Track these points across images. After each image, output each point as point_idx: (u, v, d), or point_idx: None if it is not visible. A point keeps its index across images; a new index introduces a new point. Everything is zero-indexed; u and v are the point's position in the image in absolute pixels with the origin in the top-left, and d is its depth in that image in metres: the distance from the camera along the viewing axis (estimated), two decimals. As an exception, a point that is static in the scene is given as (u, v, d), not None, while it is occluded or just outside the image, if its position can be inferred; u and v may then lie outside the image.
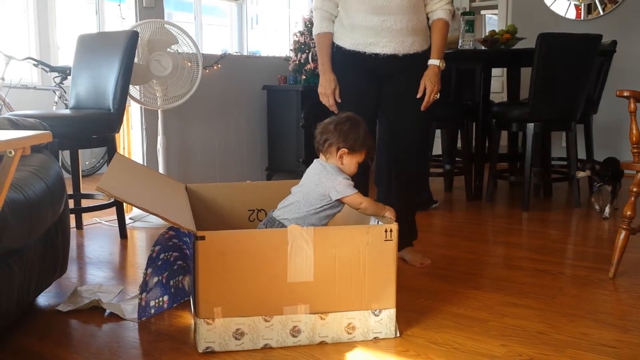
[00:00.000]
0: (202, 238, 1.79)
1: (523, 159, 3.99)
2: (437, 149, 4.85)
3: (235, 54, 4.57)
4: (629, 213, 2.51)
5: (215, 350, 1.82)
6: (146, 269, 2.06)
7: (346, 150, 2.05)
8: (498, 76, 5.43)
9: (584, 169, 3.66)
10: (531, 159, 3.85)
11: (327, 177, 2.04)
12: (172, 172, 3.78)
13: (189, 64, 3.54)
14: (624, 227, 2.53)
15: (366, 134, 2.09)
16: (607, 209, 3.61)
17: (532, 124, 3.82)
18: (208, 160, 4.24)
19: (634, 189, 2.50)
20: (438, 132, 4.50)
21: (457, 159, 4.59)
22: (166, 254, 2.10)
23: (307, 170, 2.13)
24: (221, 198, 2.44)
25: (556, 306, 2.23)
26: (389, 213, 2.04)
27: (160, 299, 2.14)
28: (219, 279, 1.81)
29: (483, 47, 4.36)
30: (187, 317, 2.10)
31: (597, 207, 3.73)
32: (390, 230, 1.91)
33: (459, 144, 4.51)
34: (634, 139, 2.57)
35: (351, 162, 2.08)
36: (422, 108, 2.52)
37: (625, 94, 2.58)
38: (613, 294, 2.41)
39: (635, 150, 2.58)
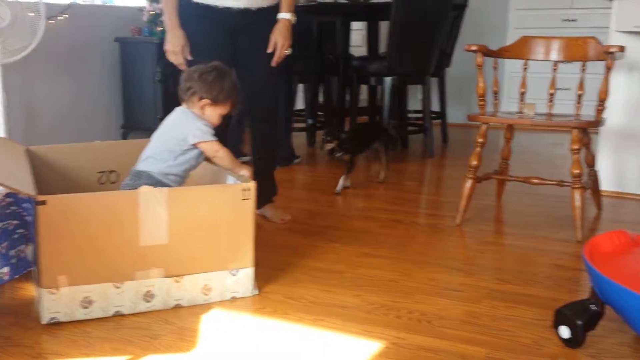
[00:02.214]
0: (43, 203, 1.67)
1: (382, 112, 4.09)
2: (299, 103, 4.87)
3: (83, 3, 4.25)
4: (474, 162, 2.65)
5: (61, 321, 1.73)
6: (-18, 240, 1.90)
7: (209, 100, 2.00)
8: (359, 30, 5.50)
9: (331, 140, 3.12)
10: (389, 112, 3.96)
11: (186, 122, 2.00)
12: (16, 134, 3.50)
13: (31, 14, 3.25)
14: (470, 176, 2.67)
15: (233, 86, 2.05)
16: (381, 174, 3.39)
17: (390, 77, 3.92)
18: (57, 120, 3.96)
19: (479, 140, 2.64)
20: (301, 87, 4.51)
21: (319, 113, 4.63)
22: (4, 222, 1.95)
23: (168, 117, 2.06)
24: (68, 160, 2.29)
25: (408, 254, 2.33)
26: (246, 171, 2.01)
27: (0, 270, 1.98)
28: (63, 246, 1.70)
29: (343, 0, 4.38)
30: (31, 289, 1.98)
31: (341, 183, 3.22)
32: (248, 189, 1.89)
33: (321, 98, 4.55)
34: (480, 92, 2.71)
35: (214, 114, 2.03)
36: (273, 63, 2.48)
37: (473, 48, 2.69)
38: (460, 240, 2.56)
39: (481, 103, 2.72)
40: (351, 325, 1.75)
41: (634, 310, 1.47)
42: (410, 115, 4.76)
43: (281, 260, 2.24)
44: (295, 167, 3.83)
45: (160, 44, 4.18)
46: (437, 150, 4.32)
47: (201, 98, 2.00)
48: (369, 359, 1.57)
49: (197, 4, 2.40)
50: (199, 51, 2.41)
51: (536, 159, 4.01)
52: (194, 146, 1.99)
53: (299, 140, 4.34)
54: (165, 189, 1.82)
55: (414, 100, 5.13)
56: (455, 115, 5.04)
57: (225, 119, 2.13)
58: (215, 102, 2.01)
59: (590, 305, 1.60)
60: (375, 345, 1.63)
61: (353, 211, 2.98)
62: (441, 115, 4.60)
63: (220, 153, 2.01)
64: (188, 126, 1.99)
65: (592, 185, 2.82)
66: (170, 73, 3.57)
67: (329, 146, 3.14)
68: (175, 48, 2.40)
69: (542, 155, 4.20)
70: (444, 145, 4.57)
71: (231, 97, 2.05)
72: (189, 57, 2.41)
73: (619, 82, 3.08)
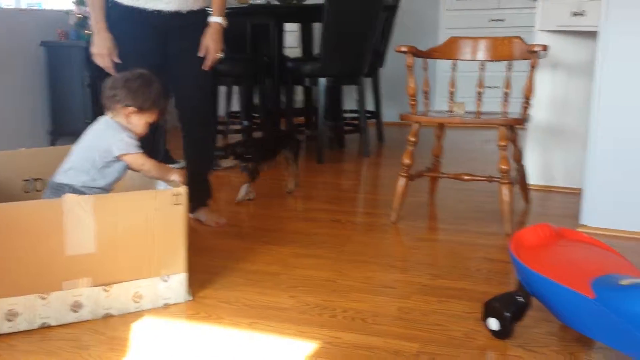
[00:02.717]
0: (-39, 214, 1.61)
1: (317, 113, 4.11)
2: (235, 105, 4.84)
3: (7, 7, 4.10)
4: (407, 161, 2.69)
5: (-17, 337, 1.66)
6: None
7: (134, 109, 1.95)
8: (293, 31, 5.50)
9: (225, 156, 2.95)
10: (324, 113, 3.98)
11: (109, 133, 1.94)
12: (-64, 141, 3.35)
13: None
14: (403, 174, 2.71)
15: (159, 93, 2.00)
16: (290, 183, 3.22)
17: (324, 78, 3.93)
18: (-20, 127, 3.81)
19: (411, 139, 2.68)
20: (236, 89, 4.48)
21: (254, 114, 4.62)
22: None
23: (91, 126, 2.00)
24: (-10, 169, 2.21)
25: (344, 254, 2.35)
26: (176, 176, 1.98)
27: None
28: (-15, 258, 1.64)
29: (276, 2, 4.38)
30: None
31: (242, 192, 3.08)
32: (179, 194, 1.86)
33: (256, 100, 4.53)
34: (411, 92, 2.75)
35: (139, 122, 1.98)
36: (205, 67, 2.45)
37: (402, 49, 2.73)
38: (395, 237, 2.59)
39: (412, 103, 2.76)
40: (286, 327, 1.75)
41: (556, 299, 1.52)
42: (346, 115, 4.79)
43: (216, 265, 2.21)
44: (232, 170, 3.80)
45: (89, 48, 4.08)
46: (373, 150, 4.36)
47: (126, 106, 1.95)
48: (304, 360, 1.57)
49: (126, 6, 2.35)
50: (126, 54, 2.36)
51: (468, 156, 4.11)
52: (118, 158, 1.94)
53: (235, 142, 4.30)
54: (91, 196, 1.77)
55: (350, 100, 5.16)
56: (390, 114, 5.09)
57: (152, 126, 2.08)
58: (141, 110, 1.97)
59: (517, 297, 1.65)
60: (310, 346, 1.64)
61: (290, 213, 2.98)
62: (376, 114, 4.66)
63: (146, 166, 1.96)
64: (112, 137, 1.93)
65: (520, 180, 2.90)
66: (98, 77, 3.49)
67: (225, 163, 2.93)
68: (102, 51, 2.35)
69: (474, 152, 4.30)
70: (380, 144, 4.62)
71: (157, 105, 2.01)
72: (117, 60, 2.35)
73: (544, 80, 3.18)
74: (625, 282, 1.43)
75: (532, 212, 2.93)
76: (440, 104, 5.12)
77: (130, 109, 1.95)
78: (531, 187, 3.06)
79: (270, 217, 2.85)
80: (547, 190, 3.26)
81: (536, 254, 1.63)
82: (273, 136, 3.61)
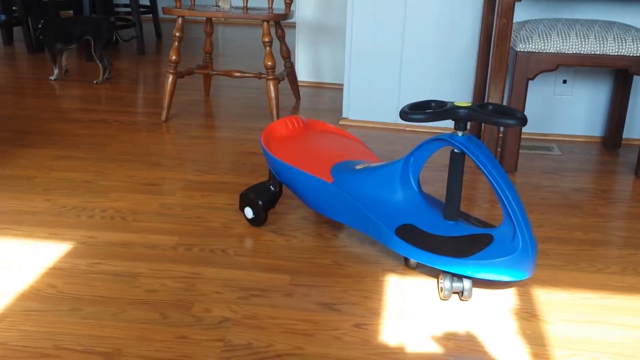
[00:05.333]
0: None
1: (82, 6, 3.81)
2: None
3: None
4: (174, 57, 2.63)
5: None
6: None
7: None
8: None
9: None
10: (91, 6, 3.70)
11: None
12: None
13: None
14: (171, 71, 2.65)
15: None
16: (101, 76, 3.32)
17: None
18: None
19: (177, 34, 2.61)
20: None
21: (14, 7, 4.15)
22: None
23: None
24: None
25: (107, 154, 2.27)
26: None
27: None
28: None
29: None
30: None
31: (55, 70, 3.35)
32: None
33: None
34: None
35: None
36: None
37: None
38: (165, 135, 2.55)
39: (178, -4, 2.67)
40: (38, 230, 1.67)
41: (301, 185, 1.63)
42: (119, 10, 4.51)
43: (-39, 171, 2.03)
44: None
45: None
46: (150, 47, 4.19)
47: None
48: (54, 261, 1.52)
49: None
50: None
51: (242, 54, 4.12)
52: None
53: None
54: None
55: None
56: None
57: None
58: None
59: (269, 186, 1.73)
60: (63, 247, 1.59)
61: (52, 113, 2.78)
62: (152, 9, 4.44)
63: None
64: None
65: (290, 76, 2.99)
66: None
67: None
68: None
69: (248, 50, 4.31)
70: (158, 41, 4.45)
71: None
72: None
73: (312, -23, 3.24)
74: (359, 166, 1.56)
75: (303, 107, 3.05)
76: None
77: None
78: (302, 84, 3.17)
79: (29, 119, 2.65)
80: (317, 86, 3.40)
81: (285, 144, 1.71)
82: (72, 20, 3.34)
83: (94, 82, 3.25)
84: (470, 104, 1.34)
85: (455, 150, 1.38)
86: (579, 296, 1.43)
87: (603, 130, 2.59)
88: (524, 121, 1.28)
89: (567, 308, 1.38)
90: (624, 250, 1.67)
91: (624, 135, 2.55)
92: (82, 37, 3.23)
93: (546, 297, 1.42)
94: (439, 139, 1.40)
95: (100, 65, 3.27)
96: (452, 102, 1.37)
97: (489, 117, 1.30)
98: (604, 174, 2.25)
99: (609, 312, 1.37)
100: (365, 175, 1.51)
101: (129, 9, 4.32)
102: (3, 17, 3.98)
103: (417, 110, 1.36)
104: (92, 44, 3.21)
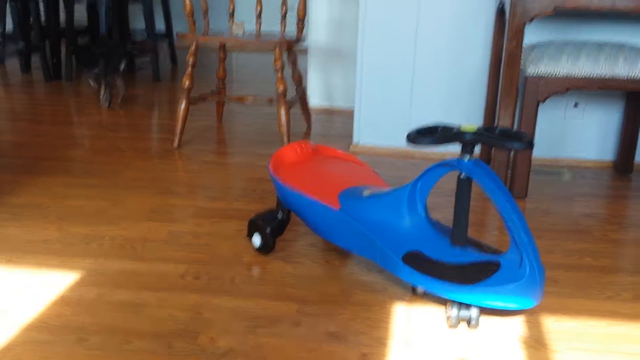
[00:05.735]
0: None
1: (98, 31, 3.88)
2: (8, 24, 4.39)
3: None
4: (187, 84, 2.66)
5: None
6: None
7: None
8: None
9: (95, 82, 3.38)
10: (107, 33, 3.76)
11: None
12: None
13: None
14: (184, 98, 2.68)
15: None
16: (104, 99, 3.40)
17: (104, -4, 3.70)
18: None
19: (190, 60, 2.64)
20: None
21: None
22: None
23: None
24: None
25: (120, 181, 2.30)
26: None
27: None
28: None
29: None
30: None
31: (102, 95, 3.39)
32: None
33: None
34: (188, 10, 2.69)
35: None
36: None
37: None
38: (177, 162, 2.58)
39: (190, 21, 2.71)
40: (49, 259, 1.69)
41: (308, 212, 1.63)
42: (136, 37, 4.58)
43: (-25, 200, 2.06)
44: (1, 96, 3.50)
45: None
46: (166, 73, 4.24)
47: None
48: (62, 291, 1.54)
49: None
50: None
51: (255, 79, 4.15)
52: None
53: (10, 67, 3.95)
54: None
55: (139, 20, 4.93)
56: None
57: None
58: None
59: (277, 213, 1.74)
60: (71, 276, 1.61)
61: (66, 140, 2.82)
62: (168, 35, 4.51)
63: None
64: None
65: (301, 101, 3.01)
66: None
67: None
68: None
69: (261, 75, 4.35)
70: (173, 67, 4.51)
71: None
72: None
73: (321, 1, 3.27)
74: (366, 192, 1.56)
75: (313, 133, 3.06)
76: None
77: None
78: (314, 109, 3.19)
79: (43, 145, 2.69)
80: (329, 111, 3.42)
81: (293, 170, 1.72)
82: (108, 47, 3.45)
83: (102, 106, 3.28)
84: (476, 128, 1.34)
85: (462, 175, 1.38)
86: (588, 324, 1.41)
87: (614, 154, 2.57)
88: (530, 144, 1.28)
89: (575, 336, 1.36)
90: (635, 277, 1.65)
91: (636, 159, 2.53)
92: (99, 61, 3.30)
93: (554, 326, 1.40)
94: (445, 164, 1.40)
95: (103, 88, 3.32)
96: (459, 126, 1.37)
97: (495, 141, 1.30)
98: (616, 199, 2.23)
99: (617, 341, 1.35)
100: (372, 201, 1.51)
101: (145, 35, 4.39)
102: (21, 44, 4.06)
103: (424, 134, 1.37)
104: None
